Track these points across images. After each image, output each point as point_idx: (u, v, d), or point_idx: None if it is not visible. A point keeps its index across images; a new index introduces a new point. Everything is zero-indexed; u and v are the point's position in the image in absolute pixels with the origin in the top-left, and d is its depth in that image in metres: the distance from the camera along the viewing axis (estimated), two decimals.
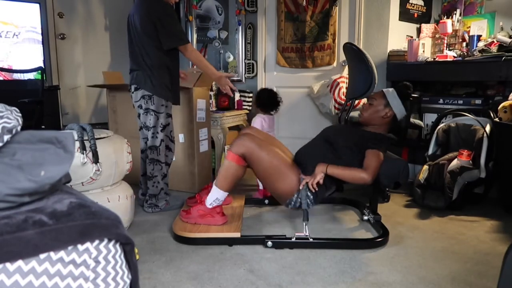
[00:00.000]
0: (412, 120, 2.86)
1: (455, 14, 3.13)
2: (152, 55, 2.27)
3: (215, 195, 2.05)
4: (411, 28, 3.34)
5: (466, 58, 2.81)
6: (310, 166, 1.99)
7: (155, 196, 2.43)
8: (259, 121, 2.78)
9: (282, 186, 1.97)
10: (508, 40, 2.70)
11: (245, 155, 1.95)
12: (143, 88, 2.30)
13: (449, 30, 3.04)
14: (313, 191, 1.91)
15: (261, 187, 2.74)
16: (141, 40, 2.25)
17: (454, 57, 2.91)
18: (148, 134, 2.36)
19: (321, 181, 1.89)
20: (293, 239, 1.92)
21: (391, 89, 2.17)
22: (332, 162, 1.96)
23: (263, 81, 3.78)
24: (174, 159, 2.91)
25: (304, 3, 3.45)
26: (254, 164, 1.97)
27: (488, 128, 2.49)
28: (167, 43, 2.25)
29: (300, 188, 1.93)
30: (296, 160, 2.10)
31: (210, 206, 2.06)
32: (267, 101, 2.81)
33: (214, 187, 2.05)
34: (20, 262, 0.57)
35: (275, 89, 3.05)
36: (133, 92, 2.35)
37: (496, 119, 2.43)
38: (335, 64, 3.47)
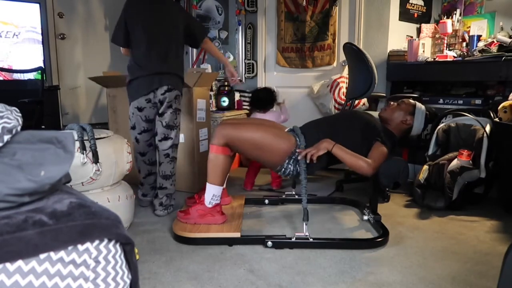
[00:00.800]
0: None
1: (455, 14, 3.14)
2: (180, 56, 2.36)
3: (211, 192, 2.06)
4: (411, 28, 3.34)
5: (466, 58, 2.81)
6: (318, 137, 1.99)
7: (171, 196, 2.44)
8: (258, 117, 2.85)
9: (272, 156, 1.99)
10: (508, 40, 2.70)
11: (227, 143, 1.98)
12: (177, 89, 2.34)
13: (449, 30, 3.04)
14: (309, 161, 1.91)
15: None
16: (171, 44, 2.29)
17: (454, 57, 2.91)
18: (172, 133, 2.38)
19: (319, 154, 1.90)
20: (293, 239, 1.92)
21: (423, 106, 2.24)
22: (339, 142, 1.96)
23: (263, 81, 3.78)
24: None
25: (304, 3, 3.45)
26: (239, 147, 2.00)
27: (488, 128, 2.49)
28: (203, 35, 2.43)
29: (299, 158, 1.94)
30: (303, 129, 2.11)
31: (210, 205, 2.06)
32: (255, 100, 2.90)
33: (207, 184, 2.06)
34: (20, 262, 0.57)
35: (274, 88, 3.10)
36: (165, 93, 2.28)
37: (496, 119, 2.43)
38: (335, 64, 3.47)
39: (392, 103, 2.27)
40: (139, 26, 2.25)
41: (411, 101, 2.25)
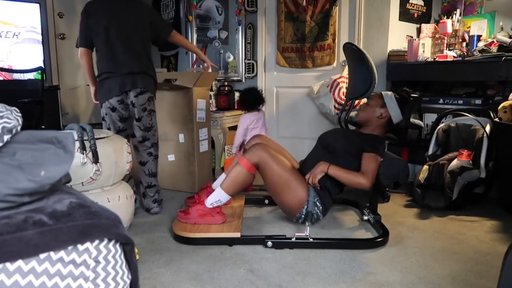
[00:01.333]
0: (412, 120, 2.86)
1: (455, 14, 3.13)
2: (149, 55, 2.36)
3: (218, 197, 2.06)
4: (411, 28, 3.34)
5: (466, 58, 2.81)
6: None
7: (160, 191, 2.51)
8: (242, 121, 2.90)
9: (291, 199, 2.01)
10: (508, 40, 2.70)
11: (258, 164, 2.00)
12: (149, 91, 2.34)
13: (449, 30, 3.04)
14: (313, 186, 1.98)
15: None
16: (139, 42, 2.27)
17: (454, 57, 2.90)
18: (150, 134, 2.41)
19: (317, 178, 1.97)
20: (293, 239, 1.92)
21: (390, 92, 2.20)
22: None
23: (263, 81, 3.77)
24: (174, 158, 2.92)
25: (304, 3, 3.45)
26: (265, 174, 2.02)
27: (488, 128, 2.49)
28: (167, 30, 2.42)
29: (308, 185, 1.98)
30: (300, 171, 2.14)
31: (211, 206, 2.06)
32: (245, 100, 2.92)
33: (219, 188, 2.06)
34: (20, 262, 0.57)
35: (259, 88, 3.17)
36: (138, 95, 2.28)
37: (496, 119, 2.43)
38: (335, 64, 3.47)
39: (362, 104, 2.27)
40: (103, 28, 2.22)
41: (378, 94, 2.22)
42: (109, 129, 2.36)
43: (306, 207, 2.00)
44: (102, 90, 2.31)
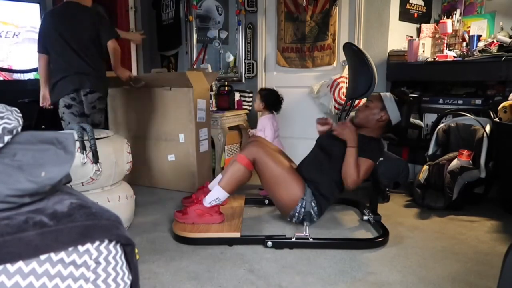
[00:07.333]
0: (412, 120, 2.86)
1: (455, 14, 3.13)
2: (98, 57, 2.54)
3: (217, 195, 2.06)
4: (411, 28, 3.34)
5: (466, 58, 2.81)
6: (306, 175, 2.07)
7: None
8: (269, 123, 2.77)
9: (286, 195, 2.01)
10: (508, 40, 2.70)
11: (255, 160, 2.02)
12: (98, 91, 2.52)
13: (449, 30, 3.03)
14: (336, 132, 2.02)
15: None
16: (88, 45, 2.47)
17: (454, 57, 2.90)
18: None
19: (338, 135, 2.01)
20: (293, 239, 1.92)
21: (388, 94, 2.17)
22: (328, 170, 2.04)
23: (263, 81, 3.77)
24: (174, 158, 2.92)
25: (304, 3, 3.45)
26: (261, 170, 2.03)
27: (488, 128, 2.49)
28: (106, 38, 2.52)
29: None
30: (299, 172, 2.14)
31: (209, 205, 2.07)
32: (276, 100, 2.83)
33: (217, 186, 2.06)
34: (20, 263, 0.57)
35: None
36: (87, 94, 2.48)
37: (496, 119, 2.43)
38: (335, 64, 3.47)
39: (360, 107, 2.26)
40: (58, 34, 2.43)
41: (376, 95, 2.18)
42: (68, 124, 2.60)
43: (300, 205, 2.00)
44: (56, 89, 2.51)
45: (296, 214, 2.02)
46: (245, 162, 2.01)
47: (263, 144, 2.11)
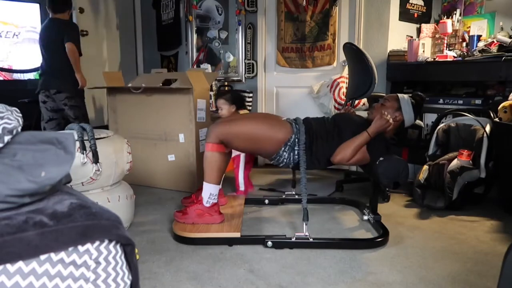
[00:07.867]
0: None
1: (455, 14, 3.13)
2: (66, 61, 3.00)
3: (208, 191, 2.06)
4: (411, 28, 3.34)
5: (466, 58, 2.81)
6: (310, 126, 2.06)
7: None
8: None
9: (268, 146, 2.02)
10: (508, 40, 2.70)
11: (221, 139, 2.00)
12: (65, 91, 3.08)
13: (449, 30, 3.04)
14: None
15: (241, 188, 2.74)
16: (60, 51, 2.98)
17: (454, 57, 2.91)
18: (77, 121, 2.94)
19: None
20: (293, 239, 1.92)
21: (406, 96, 2.19)
22: (331, 142, 2.03)
23: (263, 81, 3.78)
24: (174, 158, 2.92)
25: (304, 3, 3.45)
26: (234, 142, 2.02)
27: (488, 128, 2.49)
28: (66, 39, 2.98)
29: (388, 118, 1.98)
30: (304, 122, 2.12)
31: (208, 205, 2.06)
32: (241, 97, 2.96)
33: (204, 183, 2.06)
34: (20, 263, 0.57)
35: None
36: (55, 94, 3.06)
37: (496, 119, 2.43)
38: (335, 64, 3.47)
39: (376, 104, 2.25)
40: (41, 43, 3.12)
41: (393, 95, 2.19)
42: (42, 119, 3.19)
43: (283, 148, 1.99)
44: (38, 85, 3.13)
45: (278, 157, 2.02)
46: (214, 148, 2.00)
47: (221, 121, 2.08)
